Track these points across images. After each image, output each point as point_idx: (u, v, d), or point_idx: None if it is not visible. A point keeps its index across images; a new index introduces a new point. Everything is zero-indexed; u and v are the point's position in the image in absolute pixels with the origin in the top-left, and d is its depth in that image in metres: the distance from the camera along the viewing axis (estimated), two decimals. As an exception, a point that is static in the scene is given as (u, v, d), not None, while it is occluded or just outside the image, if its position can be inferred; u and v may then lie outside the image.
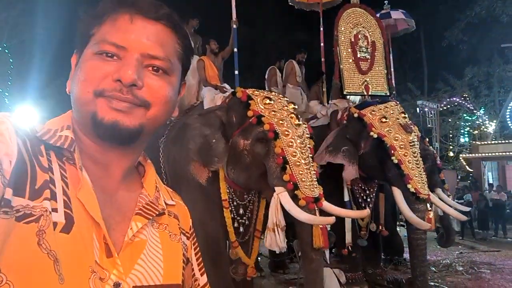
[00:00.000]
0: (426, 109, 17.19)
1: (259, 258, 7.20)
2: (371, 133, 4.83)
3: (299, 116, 3.88)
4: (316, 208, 3.48)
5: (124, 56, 0.73)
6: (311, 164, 3.63)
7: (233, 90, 4.22)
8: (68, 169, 0.70)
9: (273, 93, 4.12)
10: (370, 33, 5.84)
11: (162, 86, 0.76)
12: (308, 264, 3.65)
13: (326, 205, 3.57)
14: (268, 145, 3.64)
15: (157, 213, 0.81)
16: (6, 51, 12.07)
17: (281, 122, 3.66)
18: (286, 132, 3.61)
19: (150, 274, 0.74)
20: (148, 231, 0.78)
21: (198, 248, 0.94)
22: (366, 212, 4.18)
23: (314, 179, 3.57)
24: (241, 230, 4.09)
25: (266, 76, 7.54)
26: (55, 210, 0.65)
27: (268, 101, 3.79)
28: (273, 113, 3.71)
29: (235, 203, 4.06)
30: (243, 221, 4.10)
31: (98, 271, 0.67)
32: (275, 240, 3.55)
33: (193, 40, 5.76)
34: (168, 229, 0.83)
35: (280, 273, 6.84)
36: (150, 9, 0.76)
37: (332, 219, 3.51)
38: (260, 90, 4.07)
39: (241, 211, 4.08)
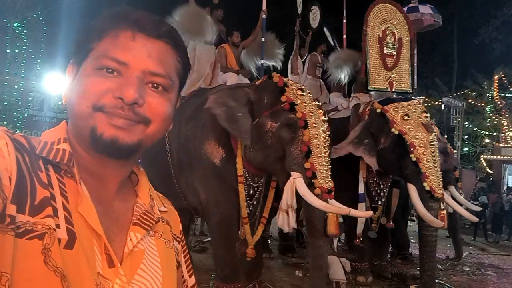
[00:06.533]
0: (451, 107, 16.91)
1: (269, 241, 7.43)
2: (393, 130, 4.88)
3: (326, 113, 4.07)
4: (328, 199, 3.66)
5: (125, 72, 0.73)
6: (329, 159, 3.83)
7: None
8: (66, 183, 0.71)
9: (304, 87, 4.25)
10: (398, 29, 5.83)
11: (161, 103, 0.76)
12: (316, 249, 3.86)
13: (334, 201, 3.74)
14: (295, 132, 3.81)
15: (154, 222, 0.82)
16: (41, 18, 12.34)
17: (311, 114, 3.84)
18: (314, 125, 3.80)
19: (151, 282, 0.77)
20: (145, 240, 0.80)
21: (186, 251, 0.96)
22: (370, 213, 4.35)
23: (329, 173, 3.77)
24: (247, 211, 4.26)
25: (288, 64, 7.59)
26: (58, 226, 0.66)
27: (301, 92, 3.98)
28: (304, 104, 3.89)
29: (247, 182, 4.22)
30: (251, 202, 4.28)
31: (102, 282, 0.69)
32: (287, 220, 3.77)
33: (217, 29, 5.87)
34: (163, 236, 0.85)
35: (288, 256, 7.06)
36: (152, 26, 0.76)
37: (346, 210, 3.68)
38: (293, 81, 4.29)
39: (251, 191, 4.26)
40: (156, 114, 0.75)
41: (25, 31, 11.92)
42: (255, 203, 4.32)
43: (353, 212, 3.82)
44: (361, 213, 4.70)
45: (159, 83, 0.76)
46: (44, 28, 12.52)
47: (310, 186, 3.67)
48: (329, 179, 3.74)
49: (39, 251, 0.62)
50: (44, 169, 0.69)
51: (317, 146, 3.75)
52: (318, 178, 3.68)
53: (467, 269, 7.06)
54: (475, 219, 5.50)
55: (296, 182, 3.70)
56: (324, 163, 3.74)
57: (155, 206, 0.85)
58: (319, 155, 3.73)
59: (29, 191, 0.64)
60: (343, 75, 6.63)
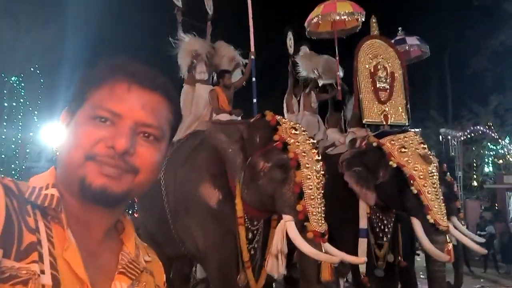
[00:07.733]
0: (449, 137, 16.94)
1: (273, 285, 7.16)
2: (390, 163, 4.81)
3: (319, 152, 3.98)
4: (321, 243, 3.53)
5: (118, 122, 0.75)
6: (323, 200, 3.71)
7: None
8: (53, 228, 0.71)
9: (298, 125, 4.21)
10: (389, 64, 5.88)
11: (151, 153, 0.78)
12: None
13: (327, 245, 3.61)
14: (287, 173, 3.71)
15: (139, 271, 0.82)
16: (38, 71, 12.60)
17: (303, 154, 3.74)
18: (307, 165, 3.70)
19: None
20: None
21: None
22: (362, 260, 4.17)
23: (323, 215, 3.65)
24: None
25: (284, 103, 7.64)
26: (42, 272, 0.65)
27: (294, 131, 3.89)
28: (297, 144, 3.80)
29: (245, 225, 4.08)
30: (251, 246, 4.12)
31: None
32: (276, 266, 3.64)
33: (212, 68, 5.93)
34: (147, 287, 0.84)
35: (294, 300, 6.78)
36: (147, 78, 0.79)
37: (336, 259, 3.55)
38: (286, 119, 4.24)
39: (250, 235, 4.12)
40: (145, 164, 0.77)
41: (22, 84, 12.14)
42: (255, 246, 4.18)
43: (345, 258, 3.68)
44: (353, 258, 4.26)
45: (151, 133, 0.78)
46: (41, 80, 12.75)
47: (303, 229, 3.54)
48: (323, 221, 3.60)
49: None
50: (32, 214, 0.70)
51: (310, 187, 3.64)
52: (310, 221, 3.54)
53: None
54: (483, 251, 5.33)
55: (287, 225, 3.59)
56: (317, 205, 3.62)
57: (140, 255, 0.86)
58: (312, 196, 3.61)
59: (16, 236, 0.65)
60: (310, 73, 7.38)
